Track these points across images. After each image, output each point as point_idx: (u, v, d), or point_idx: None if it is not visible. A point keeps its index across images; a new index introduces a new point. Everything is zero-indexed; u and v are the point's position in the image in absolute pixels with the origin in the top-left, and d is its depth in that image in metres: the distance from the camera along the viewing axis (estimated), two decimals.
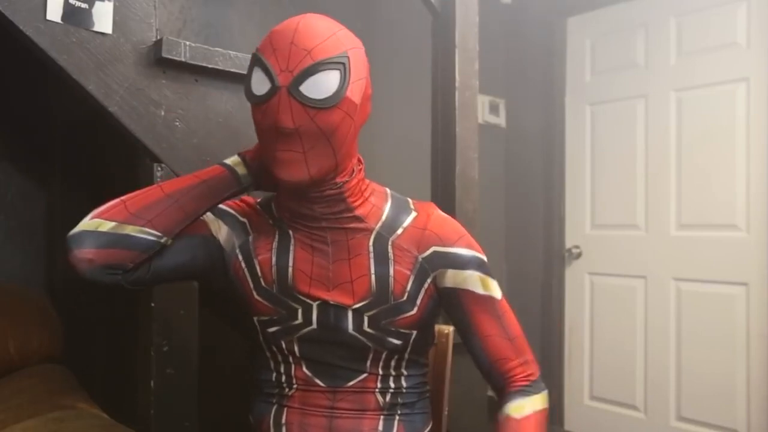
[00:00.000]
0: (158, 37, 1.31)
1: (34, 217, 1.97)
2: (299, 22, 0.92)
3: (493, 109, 3.28)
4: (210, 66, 1.36)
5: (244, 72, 1.40)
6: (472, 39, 1.72)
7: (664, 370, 2.76)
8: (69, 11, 1.18)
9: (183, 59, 1.31)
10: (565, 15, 3.15)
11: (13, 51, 1.61)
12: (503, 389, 1.04)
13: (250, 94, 0.94)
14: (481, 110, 3.15)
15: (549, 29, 3.18)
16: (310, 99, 0.89)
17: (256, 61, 0.93)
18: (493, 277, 1.05)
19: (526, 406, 1.01)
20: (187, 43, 1.31)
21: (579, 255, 3.10)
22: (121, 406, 1.49)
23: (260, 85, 0.92)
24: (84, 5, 1.20)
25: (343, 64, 0.91)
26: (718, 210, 2.61)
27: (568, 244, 3.14)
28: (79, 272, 0.93)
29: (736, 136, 2.56)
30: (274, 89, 0.90)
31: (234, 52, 1.40)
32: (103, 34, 1.23)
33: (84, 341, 1.91)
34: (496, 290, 1.05)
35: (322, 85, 0.89)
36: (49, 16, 1.15)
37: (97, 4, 1.21)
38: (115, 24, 1.25)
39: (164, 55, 1.28)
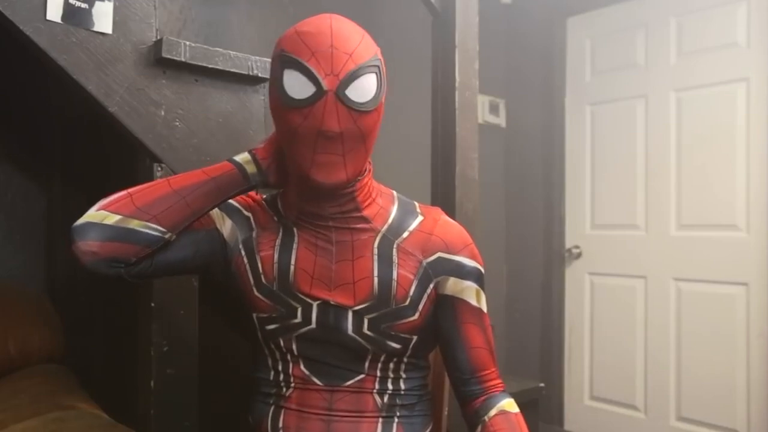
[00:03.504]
0: (158, 37, 1.31)
1: (34, 217, 1.97)
2: (331, 23, 0.92)
3: (493, 109, 3.28)
4: (210, 66, 1.36)
5: (245, 72, 1.41)
6: (472, 39, 1.72)
7: (664, 370, 2.76)
8: (69, 11, 1.17)
9: (183, 59, 1.30)
10: (565, 15, 3.15)
11: (13, 51, 1.61)
12: (479, 395, 1.06)
13: (286, 98, 0.92)
14: (481, 110, 3.15)
15: (549, 29, 3.19)
16: (356, 103, 0.91)
17: (291, 63, 0.91)
18: (484, 291, 1.08)
19: (514, 405, 1.06)
20: (187, 43, 1.31)
21: (579, 255, 3.10)
22: (121, 406, 1.49)
23: (301, 88, 0.90)
24: (84, 5, 1.19)
25: (378, 66, 0.93)
26: (718, 210, 2.61)
27: (568, 244, 3.14)
28: (82, 263, 0.93)
29: (736, 136, 2.56)
30: (320, 93, 0.89)
31: (234, 52, 1.40)
32: (103, 34, 1.23)
33: (84, 341, 1.91)
34: (485, 304, 1.08)
35: (365, 88, 0.91)
36: (49, 16, 1.15)
37: (97, 4, 1.21)
38: (115, 24, 1.24)
39: (164, 55, 1.27)
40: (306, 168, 0.93)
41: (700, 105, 2.67)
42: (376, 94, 0.92)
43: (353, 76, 0.90)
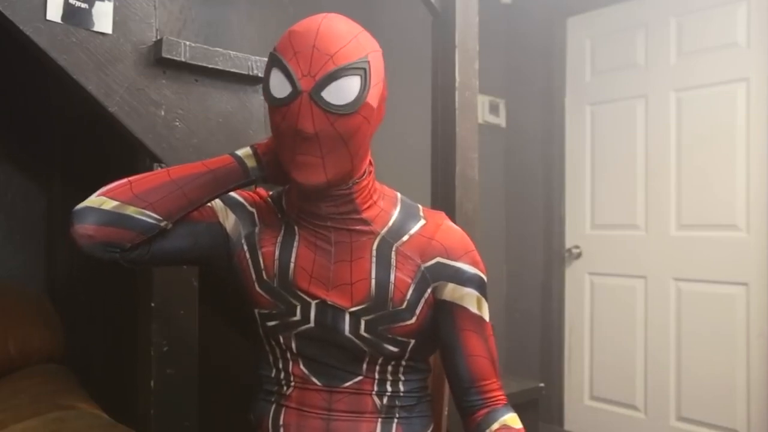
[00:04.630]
0: (158, 37, 1.31)
1: (34, 217, 1.97)
2: (320, 23, 0.91)
3: (493, 109, 3.28)
4: (210, 66, 1.36)
5: (245, 72, 1.42)
6: (472, 39, 1.72)
7: (664, 370, 2.76)
8: (69, 11, 1.18)
9: (183, 59, 1.31)
10: (565, 15, 3.16)
11: (13, 51, 1.61)
12: (480, 408, 1.04)
13: (269, 96, 0.93)
14: (481, 110, 3.15)
15: (549, 29, 3.19)
16: (332, 105, 0.89)
17: (276, 62, 0.92)
18: (487, 300, 1.06)
19: (517, 420, 1.03)
20: (187, 43, 1.31)
21: (579, 255, 3.10)
22: (121, 406, 1.49)
23: (281, 87, 0.91)
24: (84, 5, 1.20)
25: (364, 69, 0.91)
26: (718, 210, 2.61)
27: (568, 244, 3.14)
28: (78, 246, 0.95)
29: (736, 136, 2.56)
30: (295, 93, 0.89)
31: (234, 52, 1.40)
32: (103, 34, 1.23)
33: (84, 341, 1.91)
34: (486, 312, 1.06)
35: (344, 90, 0.89)
36: (49, 16, 1.15)
37: (97, 4, 1.21)
38: (115, 24, 1.25)
39: (164, 55, 1.28)
40: (288, 168, 0.94)
41: (700, 105, 2.67)
42: (357, 96, 0.90)
43: (331, 77, 0.88)
